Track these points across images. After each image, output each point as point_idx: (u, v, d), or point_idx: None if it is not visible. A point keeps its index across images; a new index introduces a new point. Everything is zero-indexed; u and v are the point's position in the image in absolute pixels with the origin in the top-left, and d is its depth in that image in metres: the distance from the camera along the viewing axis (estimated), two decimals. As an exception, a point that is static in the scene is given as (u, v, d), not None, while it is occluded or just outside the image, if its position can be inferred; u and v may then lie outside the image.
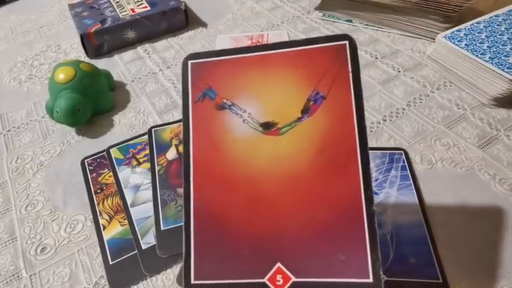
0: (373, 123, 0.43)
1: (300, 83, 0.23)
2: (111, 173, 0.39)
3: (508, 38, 0.45)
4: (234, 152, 0.23)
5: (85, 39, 0.54)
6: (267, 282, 0.21)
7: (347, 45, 0.23)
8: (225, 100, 0.23)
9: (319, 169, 0.22)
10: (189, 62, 0.24)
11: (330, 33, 0.57)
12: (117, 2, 0.60)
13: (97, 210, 0.36)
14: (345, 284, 0.20)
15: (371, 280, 0.20)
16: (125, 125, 0.45)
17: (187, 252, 0.22)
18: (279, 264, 0.21)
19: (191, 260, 0.22)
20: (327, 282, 0.20)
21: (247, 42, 0.57)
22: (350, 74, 0.22)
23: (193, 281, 0.22)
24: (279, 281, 0.21)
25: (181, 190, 0.36)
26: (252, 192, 0.23)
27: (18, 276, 0.32)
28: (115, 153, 0.41)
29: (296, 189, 0.22)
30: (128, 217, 0.35)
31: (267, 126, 0.23)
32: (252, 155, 0.23)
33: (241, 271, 0.22)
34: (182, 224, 0.23)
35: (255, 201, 0.22)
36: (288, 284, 0.21)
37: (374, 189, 0.36)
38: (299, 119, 0.22)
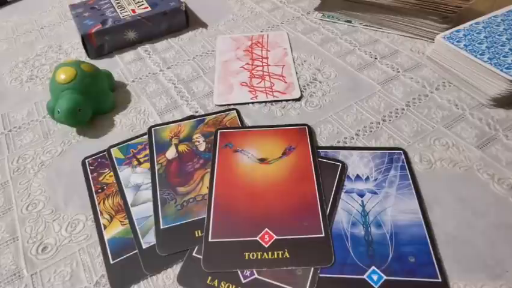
0: (372, 123, 0.43)
1: (281, 141, 0.41)
2: (112, 173, 0.39)
3: (506, 39, 0.45)
4: (241, 172, 0.38)
5: (85, 39, 0.54)
6: (259, 240, 0.32)
7: (306, 128, 0.42)
8: (238, 148, 0.40)
9: (291, 180, 0.37)
10: (218, 131, 0.42)
11: (330, 34, 0.57)
12: (118, 3, 0.60)
13: (98, 210, 0.36)
14: (308, 238, 0.32)
15: (323, 235, 0.32)
16: (126, 125, 0.45)
17: (208, 222, 0.34)
18: (266, 229, 0.33)
19: (210, 227, 0.33)
20: (296, 238, 0.32)
21: (247, 43, 0.57)
22: (308, 139, 0.41)
23: (210, 240, 0.33)
24: (266, 239, 0.32)
25: (180, 189, 0.37)
26: (251, 191, 0.36)
27: (19, 276, 0.32)
28: (115, 153, 0.41)
29: (277, 189, 0.36)
30: (129, 217, 0.35)
31: (262, 160, 0.39)
32: (252, 173, 0.38)
33: (241, 233, 0.33)
34: (206, 206, 0.35)
35: (252, 196, 0.36)
36: (272, 240, 0.32)
37: (374, 189, 0.36)
38: (280, 157, 0.39)
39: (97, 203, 0.37)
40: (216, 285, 0.30)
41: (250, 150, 0.40)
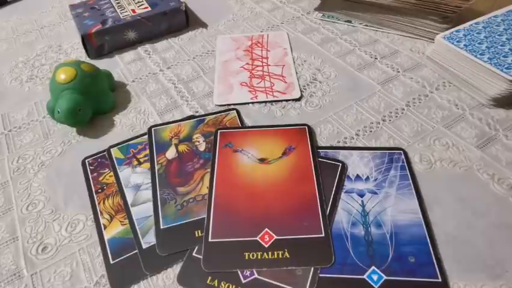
0: (372, 123, 0.43)
1: (281, 141, 0.41)
2: (112, 173, 0.39)
3: (506, 39, 0.45)
4: (241, 172, 0.38)
5: (85, 39, 0.54)
6: (259, 240, 0.32)
7: (306, 128, 0.42)
8: (238, 148, 0.40)
9: (291, 180, 0.37)
10: (218, 131, 0.42)
11: (330, 34, 0.57)
12: (118, 3, 0.60)
13: (98, 210, 0.36)
14: (308, 238, 0.32)
15: (323, 235, 0.32)
16: (126, 125, 0.45)
17: (208, 222, 0.34)
18: (266, 229, 0.33)
19: (210, 227, 0.33)
20: (296, 238, 0.32)
21: (247, 43, 0.57)
22: (308, 139, 0.41)
23: (210, 240, 0.33)
24: (266, 239, 0.32)
25: (180, 189, 0.37)
26: (251, 191, 0.36)
27: (19, 276, 0.32)
28: (115, 153, 0.41)
29: (277, 189, 0.36)
30: (129, 217, 0.35)
31: (262, 160, 0.39)
32: (252, 173, 0.38)
33: (241, 233, 0.33)
34: (206, 206, 0.35)
35: (252, 196, 0.36)
36: (272, 240, 0.32)
37: (374, 189, 0.36)
38: (280, 157, 0.39)
39: (97, 203, 0.37)
40: (216, 285, 0.30)
41: (250, 150, 0.40)
